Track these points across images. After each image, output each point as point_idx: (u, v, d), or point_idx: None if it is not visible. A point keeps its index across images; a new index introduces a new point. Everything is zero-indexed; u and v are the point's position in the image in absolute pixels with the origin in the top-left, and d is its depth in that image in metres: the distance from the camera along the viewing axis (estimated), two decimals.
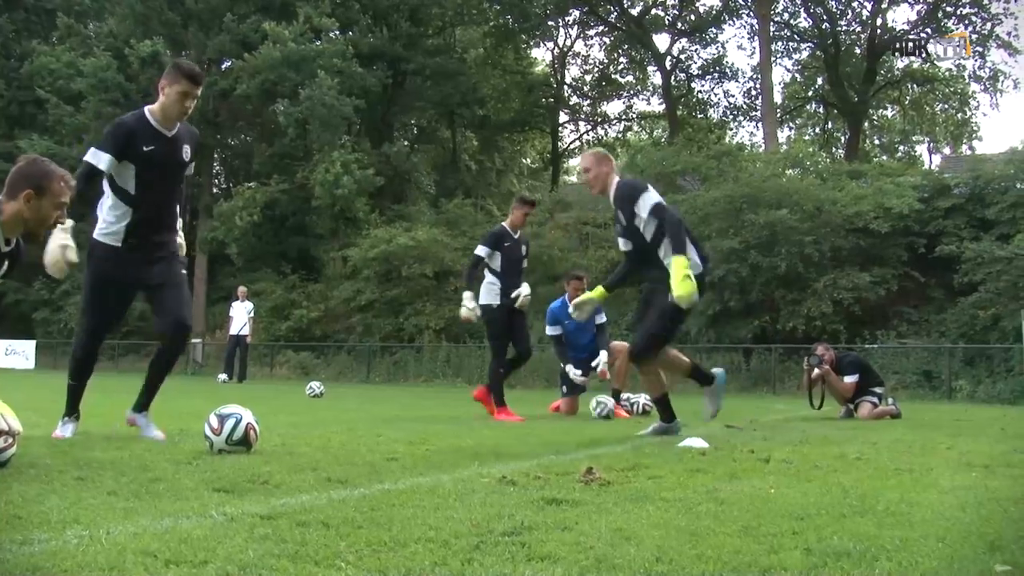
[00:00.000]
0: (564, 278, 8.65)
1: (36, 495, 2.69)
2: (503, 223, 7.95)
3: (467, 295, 7.61)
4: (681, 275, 5.00)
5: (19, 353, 26.89)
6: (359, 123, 30.45)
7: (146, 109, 4.59)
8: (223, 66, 29.48)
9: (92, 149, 4.49)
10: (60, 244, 4.00)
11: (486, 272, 7.70)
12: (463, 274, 7.75)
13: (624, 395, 8.53)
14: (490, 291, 7.68)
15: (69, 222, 4.16)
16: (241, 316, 17.62)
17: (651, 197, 5.42)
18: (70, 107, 28.64)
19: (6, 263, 3.66)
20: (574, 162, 42.10)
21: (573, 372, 8.27)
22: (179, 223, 4.89)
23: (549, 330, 8.69)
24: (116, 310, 4.82)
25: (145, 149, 4.47)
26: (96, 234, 4.63)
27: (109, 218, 4.57)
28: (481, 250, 7.70)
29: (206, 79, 4.63)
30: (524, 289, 7.67)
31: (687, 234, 5.34)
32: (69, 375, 4.73)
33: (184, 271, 4.91)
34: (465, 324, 7.67)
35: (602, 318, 8.51)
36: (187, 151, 4.66)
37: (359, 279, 24.19)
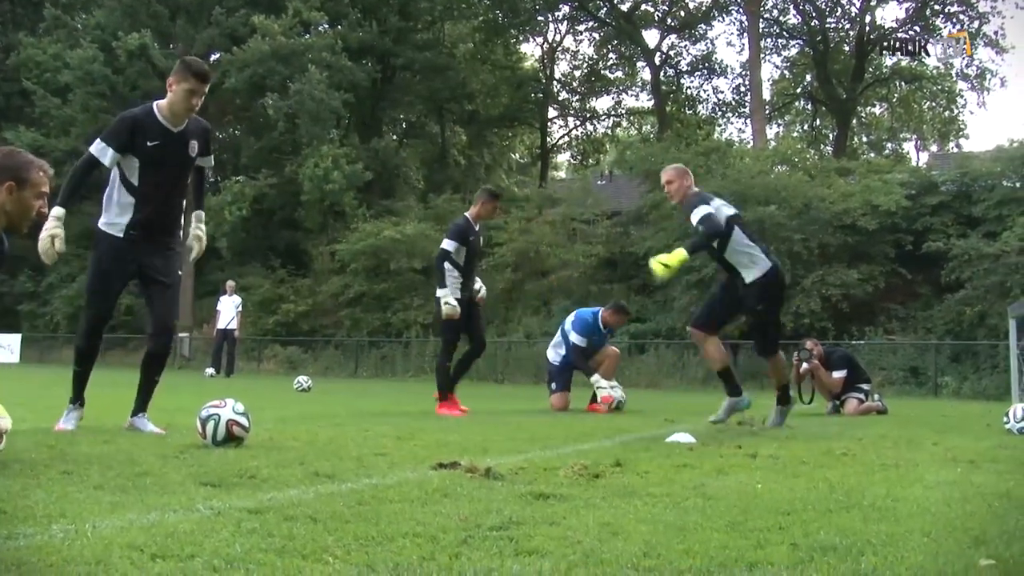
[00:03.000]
0: (609, 306, 8.79)
1: (21, 489, 2.67)
2: (467, 215, 7.76)
3: (444, 292, 7.41)
4: (666, 258, 5.83)
5: (4, 347, 26.71)
6: (348, 117, 30.37)
7: (155, 104, 4.63)
8: (211, 59, 29.33)
9: (97, 140, 4.55)
10: (50, 234, 4.19)
11: (446, 265, 7.51)
12: (436, 272, 7.56)
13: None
14: (452, 285, 7.49)
15: (60, 211, 4.21)
16: (229, 310, 17.54)
17: (701, 210, 5.96)
18: (57, 99, 28.45)
19: None
20: (562, 157, 42.14)
21: (600, 383, 8.37)
22: (201, 214, 4.99)
23: (577, 339, 8.52)
24: (116, 300, 4.89)
25: (149, 144, 4.52)
26: (101, 223, 4.68)
27: (114, 209, 4.62)
28: (450, 245, 7.49)
29: (213, 76, 4.67)
30: (479, 284, 7.79)
31: (754, 240, 6.16)
32: (74, 362, 4.79)
33: (180, 271, 4.97)
34: (449, 321, 7.57)
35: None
36: (195, 146, 4.70)
37: (347, 274, 24.15)
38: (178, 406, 6.36)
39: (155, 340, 4.86)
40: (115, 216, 4.61)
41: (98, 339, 4.86)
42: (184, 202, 4.89)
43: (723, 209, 6.11)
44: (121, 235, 4.62)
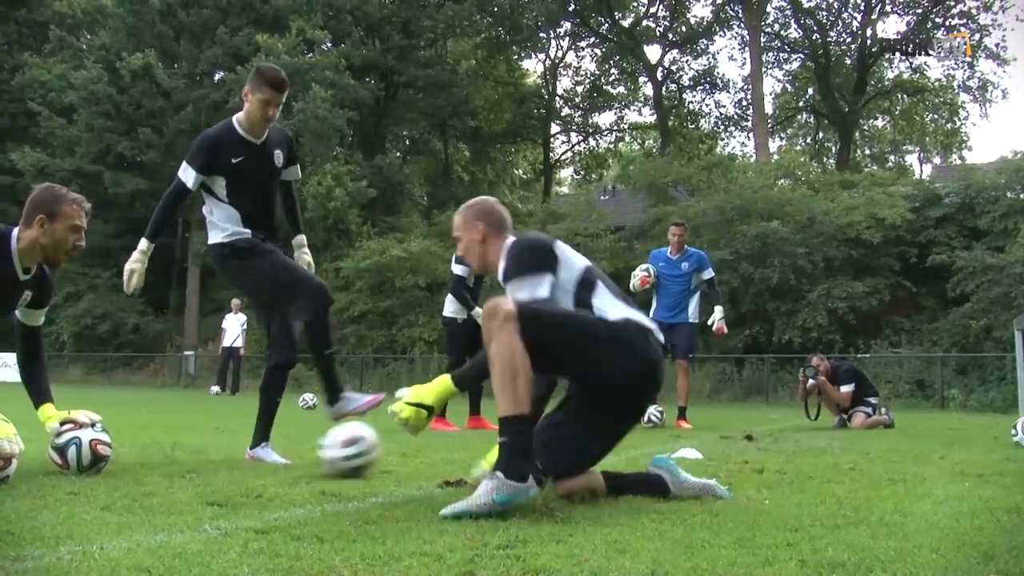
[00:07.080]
0: (668, 223, 9.12)
1: (29, 510, 2.67)
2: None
3: (478, 311, 7.44)
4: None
5: (10, 366, 26.71)
6: (352, 135, 30.49)
7: (233, 118, 4.43)
8: (215, 78, 29.51)
9: (183, 163, 4.34)
10: (130, 268, 4.19)
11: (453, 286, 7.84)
12: (459, 298, 7.83)
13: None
14: (457, 304, 7.85)
15: (144, 243, 4.22)
16: (234, 328, 17.56)
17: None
18: (62, 119, 28.60)
19: (28, 292, 3.67)
20: (566, 173, 42.23)
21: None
22: (303, 239, 4.80)
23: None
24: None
25: (234, 161, 4.33)
26: (220, 239, 4.41)
27: (224, 223, 4.39)
28: (461, 269, 7.76)
29: (286, 88, 4.44)
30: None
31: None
32: (275, 386, 4.59)
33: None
34: None
35: (709, 273, 8.77)
36: (279, 156, 4.50)
37: (352, 291, 24.17)
38: (184, 424, 6.37)
39: (312, 301, 4.41)
40: (229, 229, 4.39)
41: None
42: (277, 214, 4.66)
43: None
44: (250, 233, 4.40)
